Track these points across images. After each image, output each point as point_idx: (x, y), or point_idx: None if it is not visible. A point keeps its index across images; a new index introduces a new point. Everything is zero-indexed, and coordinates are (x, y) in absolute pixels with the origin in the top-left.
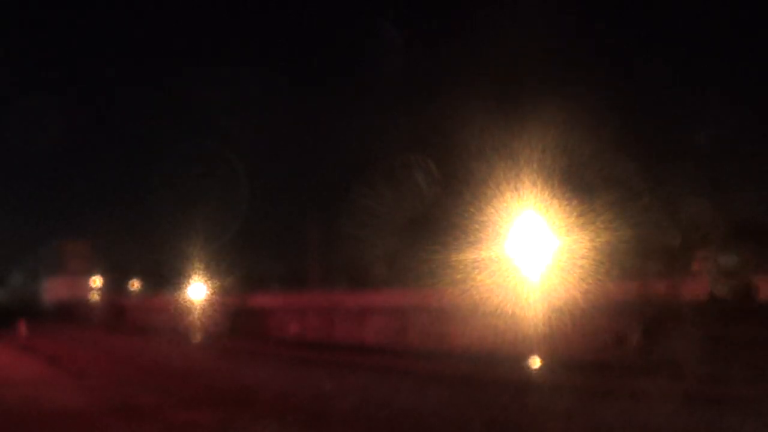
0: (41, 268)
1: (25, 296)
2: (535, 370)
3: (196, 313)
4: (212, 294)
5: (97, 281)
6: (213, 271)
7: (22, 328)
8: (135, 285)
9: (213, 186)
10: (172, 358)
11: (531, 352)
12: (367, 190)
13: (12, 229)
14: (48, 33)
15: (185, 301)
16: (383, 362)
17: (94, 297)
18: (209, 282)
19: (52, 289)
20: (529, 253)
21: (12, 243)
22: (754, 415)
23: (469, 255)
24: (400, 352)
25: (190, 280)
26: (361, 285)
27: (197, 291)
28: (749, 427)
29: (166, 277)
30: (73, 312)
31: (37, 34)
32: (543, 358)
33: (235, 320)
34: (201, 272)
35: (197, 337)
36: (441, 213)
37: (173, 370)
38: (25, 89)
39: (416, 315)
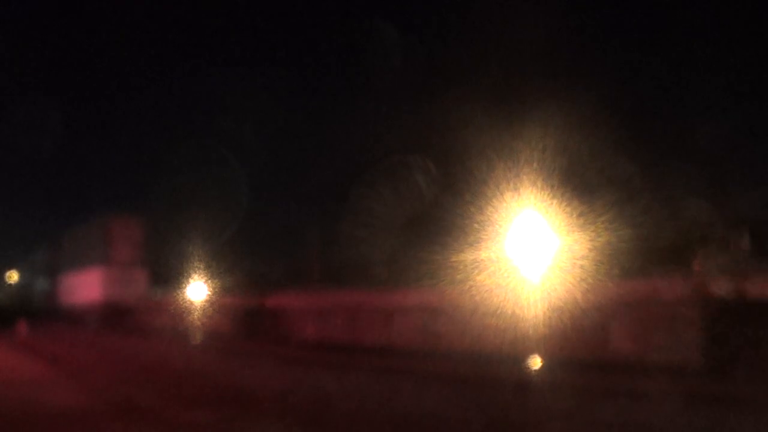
0: (63, 257)
1: (29, 296)
2: (535, 370)
3: None
4: None
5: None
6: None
7: (22, 328)
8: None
9: (211, 186)
10: None
11: (531, 352)
12: (366, 190)
13: (10, 227)
14: (52, 35)
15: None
16: (382, 363)
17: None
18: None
19: (86, 287)
20: (529, 253)
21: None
22: (754, 415)
23: (469, 255)
24: (399, 352)
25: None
26: (360, 285)
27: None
28: (749, 427)
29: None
30: (126, 318)
31: (42, 36)
32: (543, 358)
33: None
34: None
35: None
36: (441, 213)
37: None
38: (21, 90)
39: (415, 315)
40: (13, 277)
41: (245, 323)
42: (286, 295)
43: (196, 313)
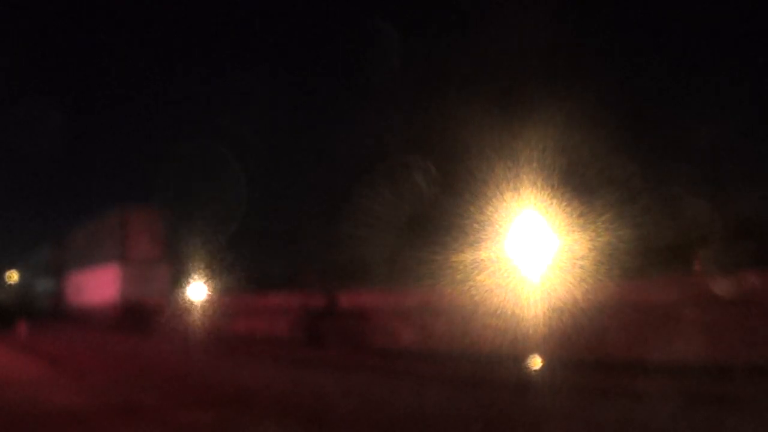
0: (71, 254)
1: (31, 296)
2: (536, 370)
3: None
4: None
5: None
6: None
7: (23, 330)
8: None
9: (211, 184)
10: None
11: (531, 352)
12: (366, 190)
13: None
14: (52, 36)
15: None
16: (381, 364)
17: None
18: None
19: (100, 285)
20: (529, 253)
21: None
22: (754, 415)
23: (469, 255)
24: (398, 353)
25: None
26: (359, 285)
27: None
28: (750, 427)
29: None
30: (148, 320)
31: (43, 37)
32: (543, 358)
33: None
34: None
35: None
36: (440, 213)
37: None
38: (20, 90)
39: (415, 315)
40: (13, 277)
41: (307, 326)
42: (355, 293)
43: (239, 315)
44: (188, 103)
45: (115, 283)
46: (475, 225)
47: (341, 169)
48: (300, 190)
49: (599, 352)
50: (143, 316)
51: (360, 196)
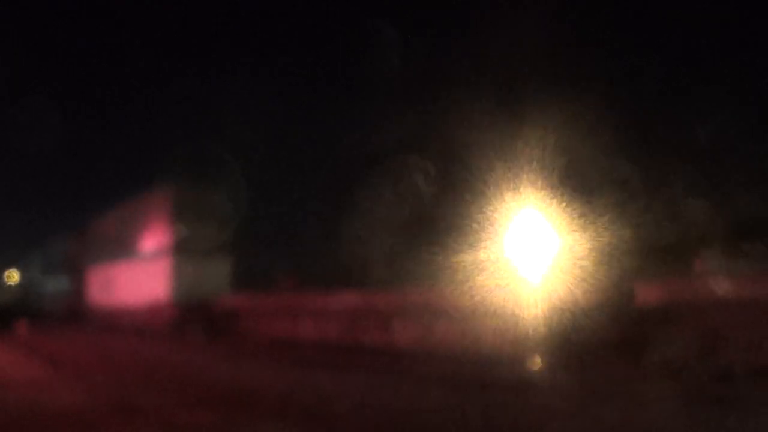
0: (94, 246)
1: (39, 296)
2: (536, 370)
3: None
4: None
5: None
6: None
7: (22, 329)
8: None
9: (210, 185)
10: None
11: (531, 353)
12: (366, 191)
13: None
14: (52, 36)
15: None
16: (381, 364)
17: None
18: None
19: (137, 282)
20: (529, 254)
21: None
22: (754, 416)
23: (469, 255)
24: (398, 353)
25: None
26: (358, 286)
27: None
28: (750, 427)
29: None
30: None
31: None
32: (543, 359)
33: None
34: None
35: None
36: (440, 213)
37: None
38: (19, 90)
39: (414, 316)
40: (13, 276)
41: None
42: None
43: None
44: (188, 103)
45: (164, 280)
46: (475, 225)
47: (340, 168)
48: (294, 191)
49: (599, 352)
50: (214, 322)
51: (359, 197)
